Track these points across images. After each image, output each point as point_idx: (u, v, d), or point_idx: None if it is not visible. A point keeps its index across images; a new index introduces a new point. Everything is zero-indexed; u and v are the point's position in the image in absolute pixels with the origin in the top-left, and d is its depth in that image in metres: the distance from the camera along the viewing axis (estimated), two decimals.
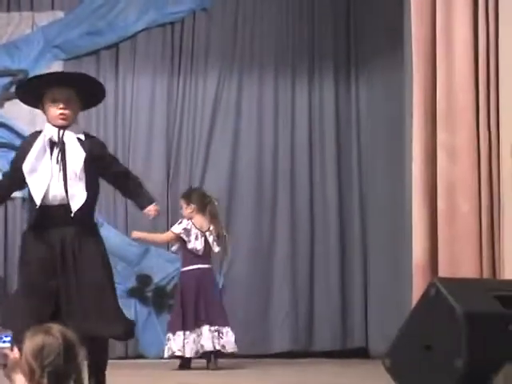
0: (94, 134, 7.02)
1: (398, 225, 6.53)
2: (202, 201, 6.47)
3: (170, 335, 6.25)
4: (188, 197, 6.54)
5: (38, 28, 7.21)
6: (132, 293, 7.06)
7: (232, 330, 6.29)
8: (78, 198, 4.37)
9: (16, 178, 4.49)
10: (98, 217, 6.95)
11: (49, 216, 4.37)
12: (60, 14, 7.24)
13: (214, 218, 6.48)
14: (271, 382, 5.68)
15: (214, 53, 7.40)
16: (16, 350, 2.76)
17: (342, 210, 7.41)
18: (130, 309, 6.79)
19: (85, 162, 4.43)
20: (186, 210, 6.47)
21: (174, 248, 6.62)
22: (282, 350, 7.21)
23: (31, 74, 6.85)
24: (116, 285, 6.91)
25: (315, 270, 7.35)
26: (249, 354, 6.96)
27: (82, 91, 4.53)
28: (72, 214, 4.33)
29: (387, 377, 4.01)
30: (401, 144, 6.26)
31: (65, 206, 4.36)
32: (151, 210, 4.58)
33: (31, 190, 4.39)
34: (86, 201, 4.39)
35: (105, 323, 4.34)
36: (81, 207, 4.35)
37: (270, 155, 7.41)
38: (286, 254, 7.32)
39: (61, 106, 4.43)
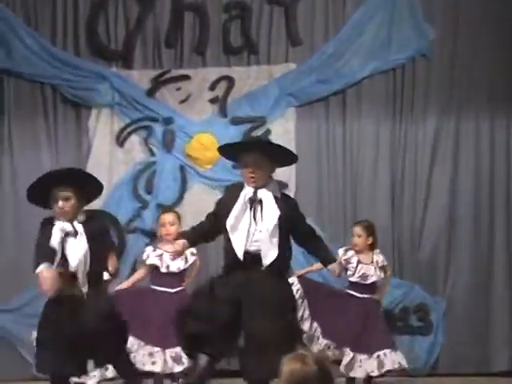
0: (325, 175, 7.50)
1: None
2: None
3: None
4: (371, 228, 6.61)
5: (273, 79, 7.53)
6: None
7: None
8: (269, 253, 4.72)
9: (215, 227, 4.95)
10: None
11: (241, 267, 4.77)
12: (293, 66, 7.59)
13: None
14: None
15: (433, 96, 7.57)
16: None
17: None
18: None
19: (279, 219, 4.76)
20: (367, 240, 6.56)
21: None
22: (501, 369, 7.44)
23: (268, 121, 7.47)
24: None
25: None
26: (469, 373, 7.37)
27: (269, 154, 5.00)
28: (263, 268, 4.72)
29: None
30: None
31: (257, 260, 4.74)
32: (335, 268, 5.28)
33: (234, 246, 4.79)
34: (277, 256, 4.73)
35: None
36: (272, 262, 4.74)
37: (486, 188, 7.58)
38: (503, 281, 7.52)
39: (250, 170, 4.97)
